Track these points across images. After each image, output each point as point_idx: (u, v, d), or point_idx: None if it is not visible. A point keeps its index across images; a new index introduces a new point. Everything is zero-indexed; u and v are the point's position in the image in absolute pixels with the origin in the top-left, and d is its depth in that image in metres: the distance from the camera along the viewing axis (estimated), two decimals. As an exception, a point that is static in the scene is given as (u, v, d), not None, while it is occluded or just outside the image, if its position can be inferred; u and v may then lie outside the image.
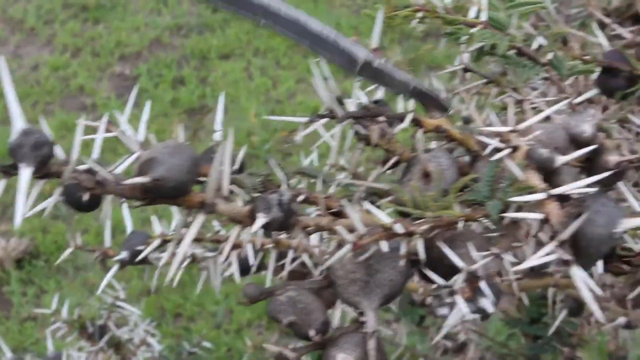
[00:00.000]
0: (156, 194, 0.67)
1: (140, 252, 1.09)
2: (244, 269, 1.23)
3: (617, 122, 1.02)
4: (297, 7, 0.78)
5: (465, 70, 0.93)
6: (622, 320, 1.66)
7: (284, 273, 1.04)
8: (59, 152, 0.64)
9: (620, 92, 0.98)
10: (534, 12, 1.16)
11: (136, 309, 2.28)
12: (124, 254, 1.13)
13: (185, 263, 1.16)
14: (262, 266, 1.22)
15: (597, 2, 1.20)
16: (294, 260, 1.02)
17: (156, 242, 1.04)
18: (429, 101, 0.81)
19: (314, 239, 0.96)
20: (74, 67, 4.57)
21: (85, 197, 0.65)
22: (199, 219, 0.69)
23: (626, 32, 1.10)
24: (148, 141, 0.75)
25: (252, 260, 1.16)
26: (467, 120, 1.77)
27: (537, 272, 0.92)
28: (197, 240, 1.06)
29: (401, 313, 1.66)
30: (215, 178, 0.67)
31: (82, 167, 0.65)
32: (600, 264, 0.79)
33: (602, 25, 1.21)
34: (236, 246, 1.07)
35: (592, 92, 0.94)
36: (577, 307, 1.56)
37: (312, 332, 0.71)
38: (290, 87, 4.38)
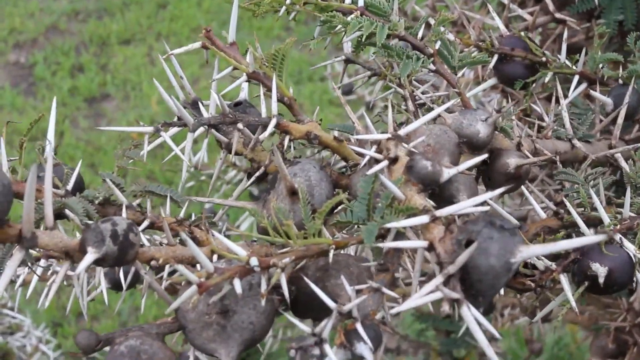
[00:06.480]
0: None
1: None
2: (116, 284, 1.14)
3: (519, 115, 0.92)
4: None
5: (347, 61, 0.81)
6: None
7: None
8: None
9: (519, 81, 0.87)
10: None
11: (28, 314, 2.15)
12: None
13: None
14: (137, 280, 1.12)
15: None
16: (172, 273, 0.91)
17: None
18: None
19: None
20: (-35, 57, 4.36)
21: None
22: (17, 255, 0.57)
23: (526, 14, 0.99)
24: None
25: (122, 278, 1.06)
26: (347, 91, 1.66)
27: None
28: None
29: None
30: (30, 207, 0.55)
31: None
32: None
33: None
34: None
35: (488, 84, 0.83)
36: (487, 306, 1.49)
37: (160, 388, 0.60)
38: (194, 72, 4.22)
